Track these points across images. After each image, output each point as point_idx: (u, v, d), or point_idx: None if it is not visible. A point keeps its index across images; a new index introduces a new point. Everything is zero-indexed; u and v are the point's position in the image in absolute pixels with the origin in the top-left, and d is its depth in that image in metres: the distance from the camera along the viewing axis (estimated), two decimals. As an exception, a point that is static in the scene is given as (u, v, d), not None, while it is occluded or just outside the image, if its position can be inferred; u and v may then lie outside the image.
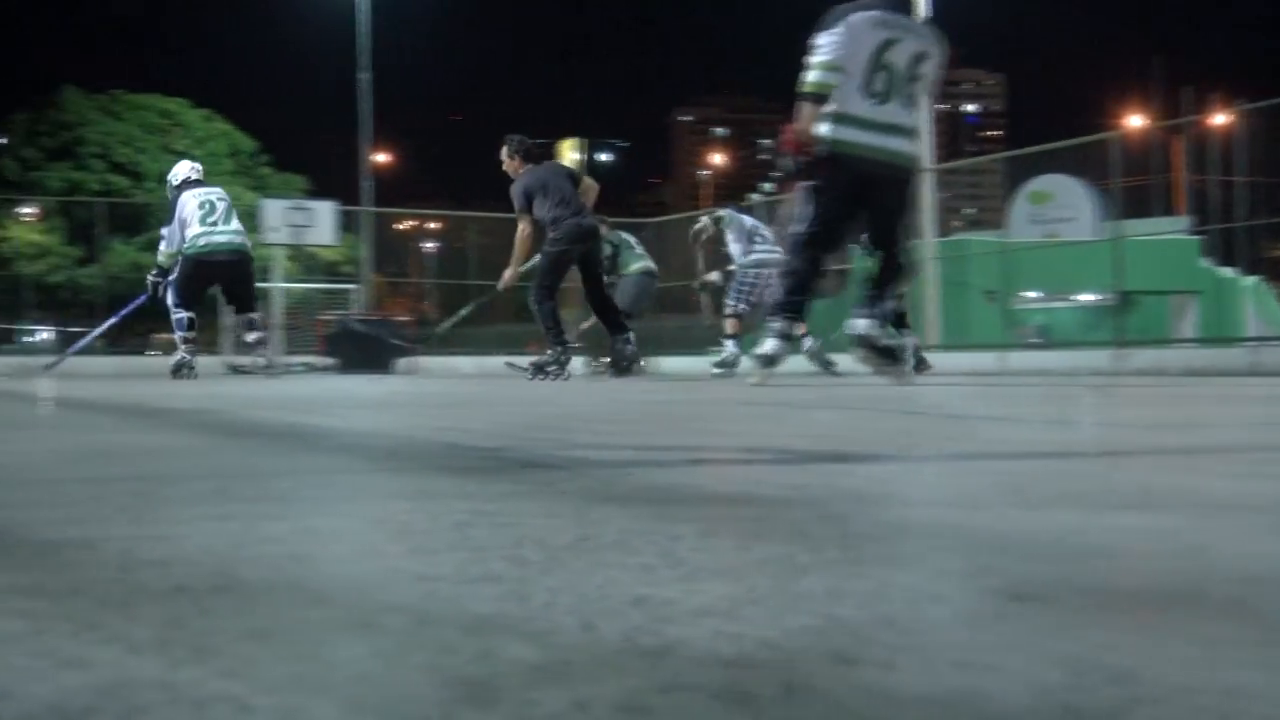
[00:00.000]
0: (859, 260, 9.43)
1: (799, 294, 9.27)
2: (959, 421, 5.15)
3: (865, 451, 3.31)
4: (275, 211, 27.83)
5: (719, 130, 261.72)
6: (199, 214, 13.85)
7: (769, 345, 9.35)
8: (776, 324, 9.33)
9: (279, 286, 28.33)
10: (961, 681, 0.94)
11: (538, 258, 13.42)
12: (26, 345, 35.06)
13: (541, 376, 13.27)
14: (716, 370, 15.53)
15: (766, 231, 15.70)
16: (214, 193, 14.12)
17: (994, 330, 24.08)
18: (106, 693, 0.90)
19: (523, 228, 13.33)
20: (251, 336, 15.06)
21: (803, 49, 9.01)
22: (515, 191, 13.47)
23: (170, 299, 14.29)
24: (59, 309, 50.62)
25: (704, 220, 16.99)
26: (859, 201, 9.06)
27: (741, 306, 15.48)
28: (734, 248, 15.66)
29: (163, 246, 14.49)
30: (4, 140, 51.53)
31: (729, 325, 15.84)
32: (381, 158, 77.76)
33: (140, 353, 44.99)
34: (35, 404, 7.58)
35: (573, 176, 13.55)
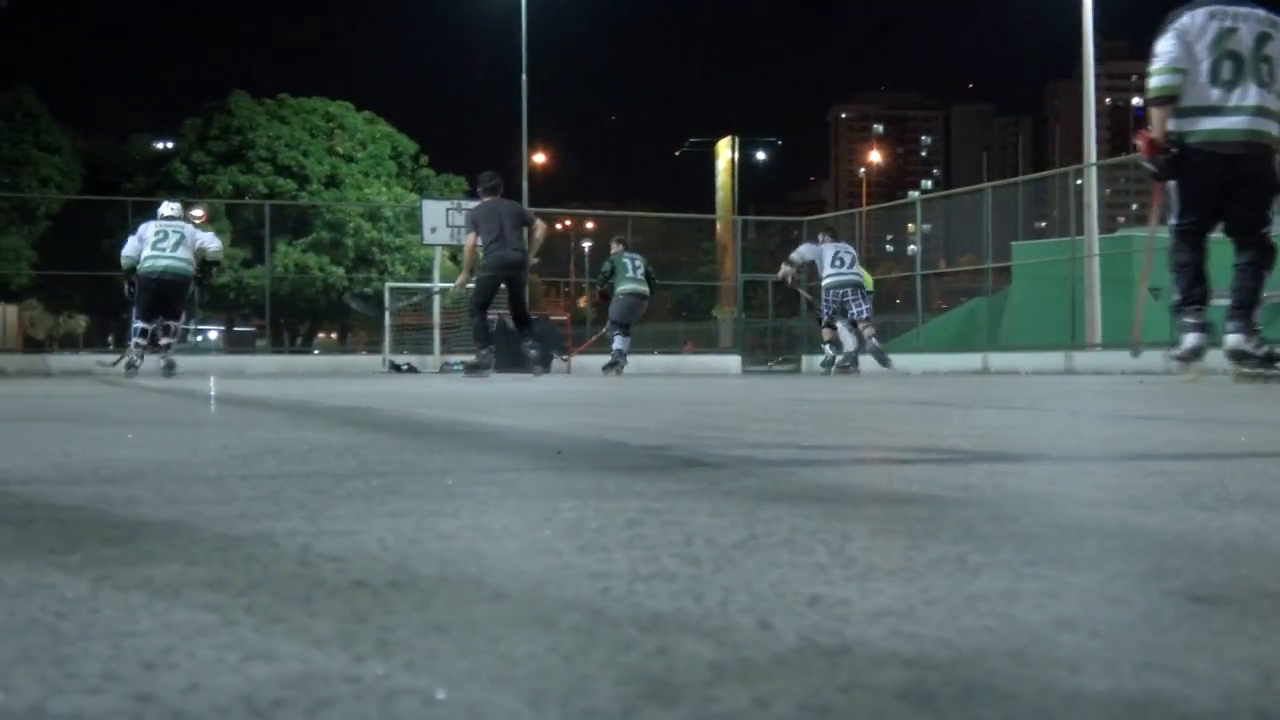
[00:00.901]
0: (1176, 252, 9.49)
1: (1196, 284, 9.41)
2: (1122, 421, 5.05)
3: (1031, 451, 3.25)
4: (435, 212, 28.18)
5: (878, 127, 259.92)
6: (153, 239, 16.88)
7: (1189, 340, 9.50)
8: (1189, 319, 9.48)
9: (437, 287, 28.73)
10: (1147, 684, 0.93)
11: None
12: (196, 345, 36.06)
13: (475, 375, 15.74)
14: (821, 369, 20.41)
15: (847, 255, 19.39)
16: (172, 225, 17.16)
17: (1160, 329, 23.52)
18: (294, 685, 0.92)
19: (469, 241, 15.74)
20: (164, 340, 17.12)
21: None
22: (464, 217, 16.45)
23: (134, 309, 17.04)
24: (227, 309, 51.94)
25: (785, 269, 20.87)
26: (1224, 188, 9.20)
27: (827, 316, 19.37)
28: (802, 251, 20.14)
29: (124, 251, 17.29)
30: (174, 145, 53.07)
31: (825, 333, 19.85)
32: (539, 158, 78.62)
33: (308, 351, 46.15)
34: (205, 401, 7.80)
35: (520, 215, 15.76)
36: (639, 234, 39.20)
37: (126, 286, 17.50)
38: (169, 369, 17.18)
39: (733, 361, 33.89)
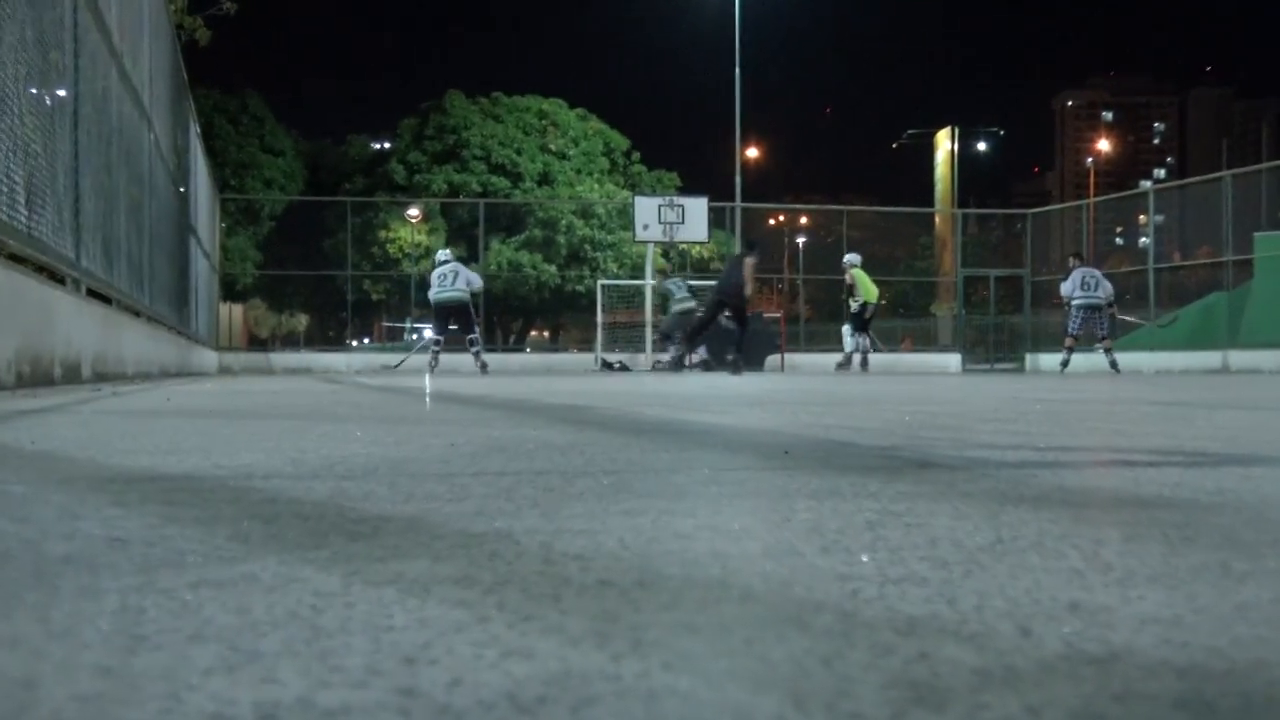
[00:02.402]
0: None
1: None
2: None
3: (1288, 454, 3.14)
4: (648, 209, 28.34)
5: (1106, 114, 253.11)
6: (436, 281, 22.52)
7: None
8: None
9: (648, 284, 28.86)
10: None
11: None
12: (413, 344, 36.89)
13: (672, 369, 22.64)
14: (1059, 369, 23.86)
15: (1092, 279, 22.82)
16: (449, 266, 22.65)
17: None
18: (554, 683, 0.94)
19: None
20: (473, 350, 22.59)
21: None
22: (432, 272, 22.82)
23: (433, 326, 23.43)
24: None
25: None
26: None
27: (1073, 329, 22.87)
28: (1064, 287, 23.17)
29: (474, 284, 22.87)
30: (391, 145, 54.37)
31: (1068, 341, 23.09)
32: (752, 152, 78.46)
33: (521, 349, 46.85)
34: (423, 400, 7.98)
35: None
36: (855, 228, 38.88)
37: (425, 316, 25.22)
38: (484, 368, 22.58)
39: (952, 360, 33.42)
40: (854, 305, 25.35)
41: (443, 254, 23.41)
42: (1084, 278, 22.90)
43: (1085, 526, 1.72)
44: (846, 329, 25.80)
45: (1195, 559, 1.47)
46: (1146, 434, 4.06)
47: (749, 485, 2.34)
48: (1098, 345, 23.52)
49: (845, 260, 25.80)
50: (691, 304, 25.55)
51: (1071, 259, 24.31)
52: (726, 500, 2.08)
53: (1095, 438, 3.87)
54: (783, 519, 1.82)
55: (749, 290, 21.08)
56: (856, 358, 25.27)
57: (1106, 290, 22.95)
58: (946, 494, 2.15)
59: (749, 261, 20.99)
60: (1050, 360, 29.35)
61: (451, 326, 22.94)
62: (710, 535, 1.64)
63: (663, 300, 27.36)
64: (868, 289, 24.96)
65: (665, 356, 25.80)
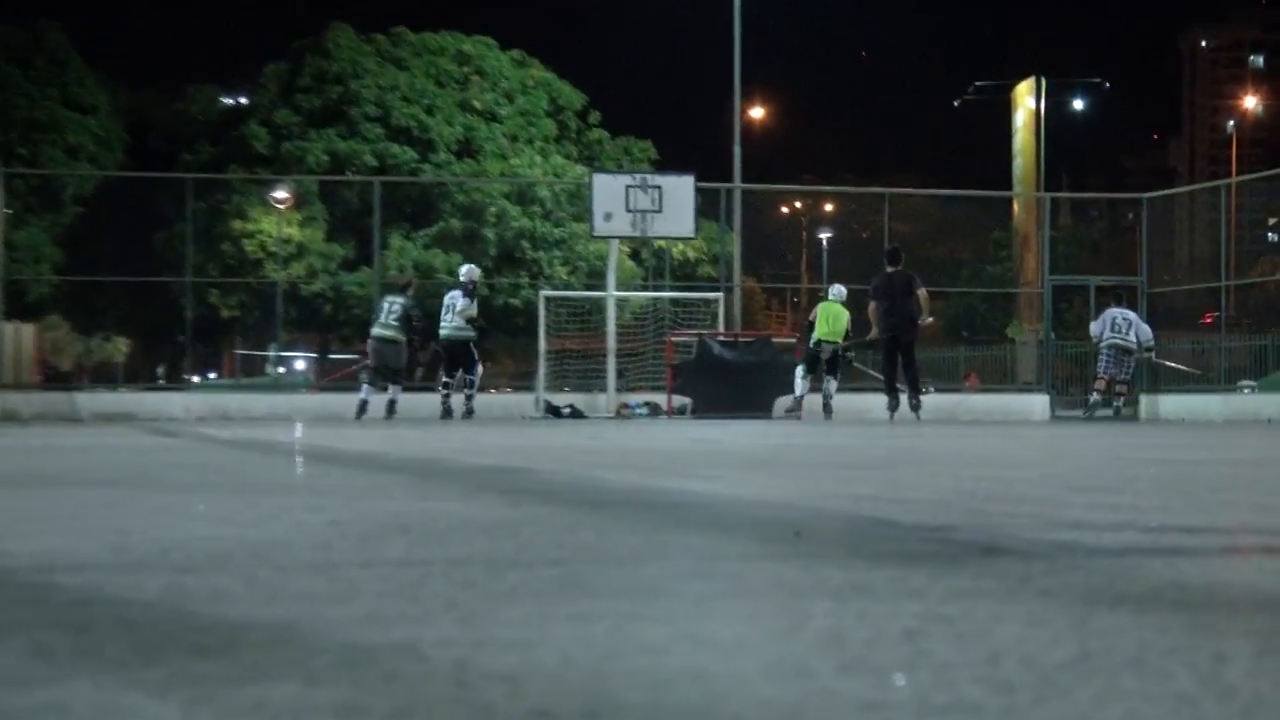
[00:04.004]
0: None
1: None
2: None
3: None
4: (611, 192, 28.21)
5: (1256, 59, 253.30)
6: (443, 310, 25.33)
7: None
8: None
9: (611, 296, 28.87)
10: None
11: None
12: (277, 380, 36.77)
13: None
14: (1085, 415, 28.59)
15: (1124, 321, 27.79)
16: (453, 294, 25.64)
17: None
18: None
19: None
20: (466, 392, 25.23)
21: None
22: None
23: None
24: (320, 328, 52.71)
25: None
26: None
27: (1102, 371, 27.78)
28: (1093, 328, 28.53)
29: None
30: (250, 101, 53.99)
31: (1097, 384, 28.14)
32: (758, 113, 78.59)
33: (433, 387, 46.35)
34: (293, 459, 7.98)
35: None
36: (901, 219, 38.99)
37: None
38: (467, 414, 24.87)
39: (1038, 402, 33.47)
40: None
41: (463, 271, 26.59)
42: (1115, 319, 28.02)
43: (1205, 636, 1.76)
44: (800, 369, 28.11)
45: (1352, 681, 1.51)
46: (1301, 508, 4.11)
47: (746, 580, 2.37)
48: (1116, 388, 28.12)
49: (832, 292, 28.76)
50: (392, 334, 26.06)
51: (1110, 299, 29.37)
52: (715, 600, 2.11)
53: (1230, 514, 3.92)
54: (791, 626, 1.85)
55: (927, 319, 24.43)
56: (821, 399, 27.63)
57: (1144, 335, 27.95)
58: (1017, 592, 2.19)
59: (922, 292, 23.96)
60: (1174, 404, 30.95)
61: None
62: (689, 648, 1.67)
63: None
64: (822, 324, 27.47)
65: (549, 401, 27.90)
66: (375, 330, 25.45)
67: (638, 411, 27.24)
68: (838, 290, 28.34)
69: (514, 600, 2.10)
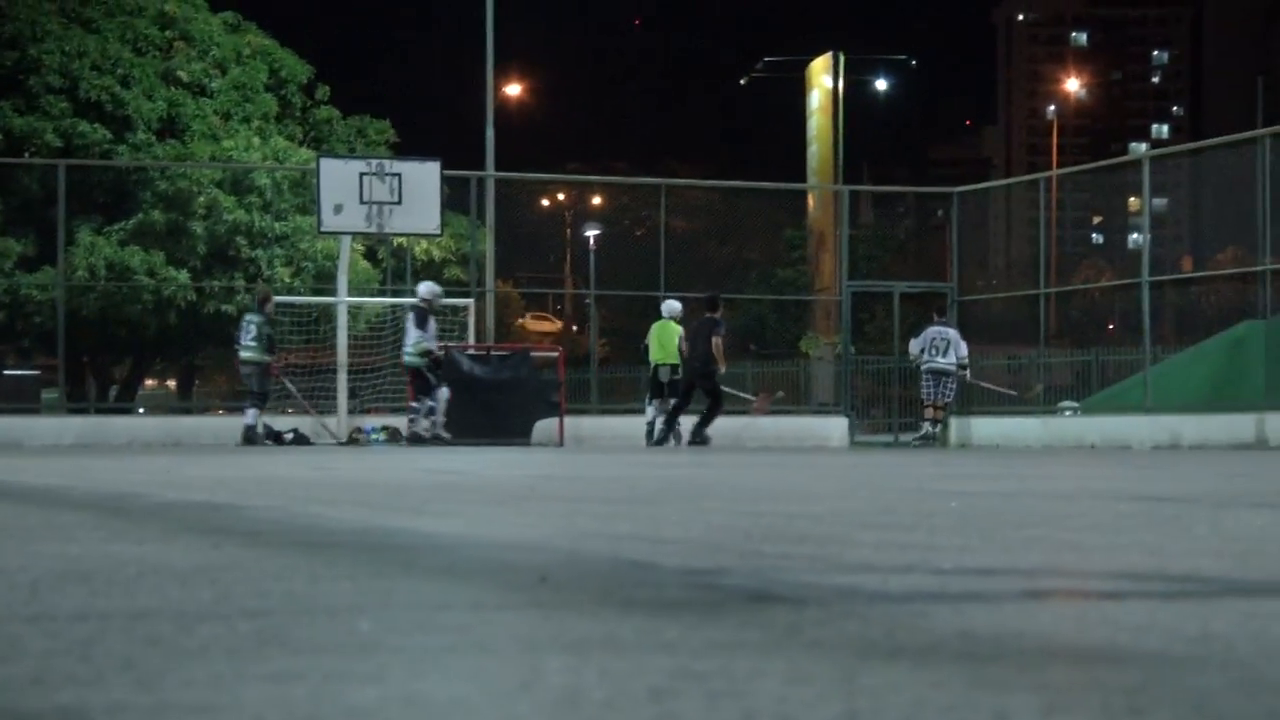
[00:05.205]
0: None
1: None
2: None
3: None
4: (342, 180, 28.07)
5: (1078, 36, 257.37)
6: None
7: None
8: None
9: (343, 303, 28.74)
10: None
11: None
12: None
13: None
14: (914, 443, 31.13)
15: (942, 340, 31.43)
16: (411, 314, 28.53)
17: None
18: None
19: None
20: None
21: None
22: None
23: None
24: (-12, 338, 51.69)
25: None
26: None
27: (926, 397, 31.46)
28: (912, 346, 32.43)
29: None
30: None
31: (927, 412, 31.47)
32: (514, 90, 78.58)
33: (129, 409, 45.72)
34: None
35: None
36: (681, 213, 39.22)
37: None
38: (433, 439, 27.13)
39: (834, 427, 33.88)
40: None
41: (425, 288, 28.96)
42: (933, 339, 31.76)
43: (987, 692, 1.81)
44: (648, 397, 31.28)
45: (1145, 742, 1.56)
46: (1115, 548, 4.21)
47: (476, 633, 2.39)
48: (927, 411, 31.53)
49: (664, 309, 31.06)
50: (251, 354, 28.68)
51: (934, 314, 33.22)
52: (437, 656, 2.13)
53: (1033, 554, 4.01)
54: (521, 685, 1.87)
55: (721, 367, 28.91)
56: (681, 428, 29.91)
57: (959, 354, 31.56)
58: (784, 644, 2.23)
59: (716, 340, 28.34)
60: (989, 427, 32.48)
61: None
62: (402, 712, 1.69)
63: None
64: (656, 347, 30.11)
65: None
66: (239, 351, 27.81)
67: (373, 437, 27.19)
68: (670, 306, 30.63)
69: (204, 658, 2.11)
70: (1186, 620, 2.52)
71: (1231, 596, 2.91)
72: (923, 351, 31.50)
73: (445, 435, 26.72)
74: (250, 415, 27.35)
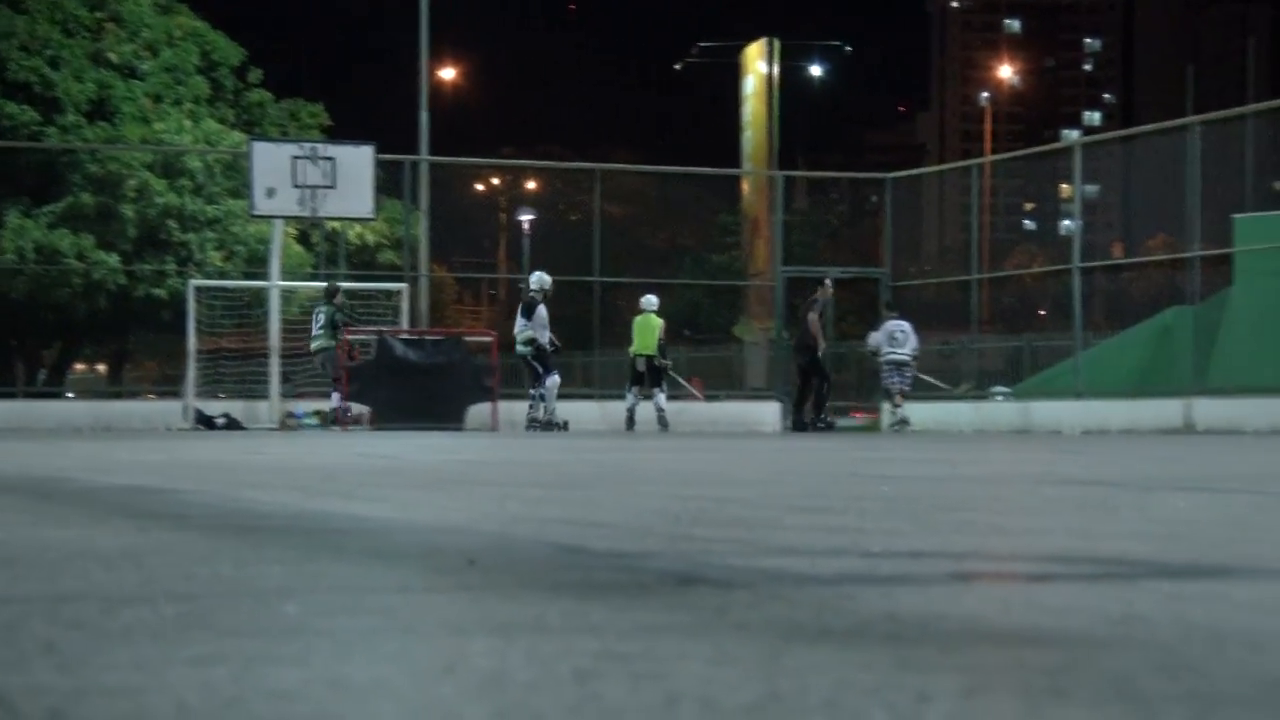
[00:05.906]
0: None
1: None
2: None
3: (1241, 563, 3.31)
4: (275, 163, 27.97)
5: (1011, 23, 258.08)
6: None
7: None
8: None
9: (275, 287, 28.64)
10: None
11: None
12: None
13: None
14: (894, 428, 32.25)
15: (901, 333, 32.59)
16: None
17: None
18: None
19: None
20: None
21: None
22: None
23: None
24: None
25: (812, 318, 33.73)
26: None
27: (891, 385, 33.08)
28: (872, 338, 34.19)
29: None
30: None
31: (897, 399, 32.67)
32: (448, 74, 78.43)
33: (57, 393, 45.50)
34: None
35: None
36: (616, 199, 39.22)
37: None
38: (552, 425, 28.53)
39: (768, 412, 33.98)
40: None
41: (535, 278, 29.72)
42: (894, 331, 33.09)
43: (911, 674, 1.82)
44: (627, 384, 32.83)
45: (1064, 722, 1.57)
46: (1042, 531, 4.23)
47: (402, 615, 2.39)
48: (893, 398, 32.84)
49: (643, 302, 32.88)
50: (320, 343, 28.97)
51: (884, 309, 34.75)
52: (363, 639, 2.13)
53: (962, 537, 4.03)
54: (445, 667, 1.87)
55: (821, 346, 31.81)
56: (656, 412, 31.60)
57: (913, 345, 32.90)
58: (711, 626, 2.24)
59: (812, 317, 31.39)
60: (925, 412, 33.58)
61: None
62: (324, 692, 1.68)
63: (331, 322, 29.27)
64: (635, 338, 31.90)
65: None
66: (310, 342, 27.99)
67: (305, 422, 27.14)
68: (648, 300, 32.47)
69: (128, 641, 2.10)
70: (1110, 602, 2.53)
71: (1155, 578, 2.93)
72: (887, 342, 32.72)
73: (558, 422, 27.93)
74: (335, 398, 27.43)
